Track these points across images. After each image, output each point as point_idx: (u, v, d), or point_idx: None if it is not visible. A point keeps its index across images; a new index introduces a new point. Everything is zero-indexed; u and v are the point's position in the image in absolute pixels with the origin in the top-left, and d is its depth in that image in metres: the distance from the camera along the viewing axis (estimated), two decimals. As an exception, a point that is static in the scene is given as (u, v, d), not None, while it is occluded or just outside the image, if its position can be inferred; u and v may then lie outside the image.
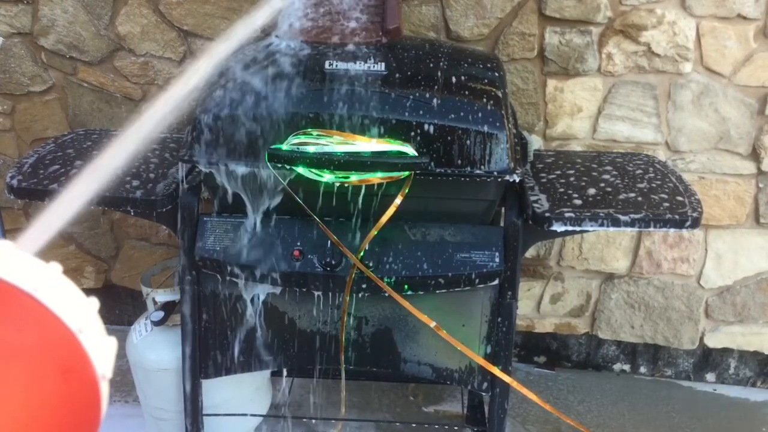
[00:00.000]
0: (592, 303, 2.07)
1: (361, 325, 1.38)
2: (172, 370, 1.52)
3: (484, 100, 1.24)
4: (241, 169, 1.25)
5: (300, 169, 1.23)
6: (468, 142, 1.22)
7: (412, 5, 1.76)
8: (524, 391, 1.37)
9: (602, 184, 1.39)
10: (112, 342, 0.37)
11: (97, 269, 2.19)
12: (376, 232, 1.27)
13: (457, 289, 1.32)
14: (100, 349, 0.35)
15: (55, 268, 0.35)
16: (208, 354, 1.43)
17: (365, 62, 1.26)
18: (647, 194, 1.35)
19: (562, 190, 1.37)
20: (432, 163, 1.22)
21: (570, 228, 1.27)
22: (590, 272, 2.03)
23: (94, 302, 0.36)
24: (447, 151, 1.22)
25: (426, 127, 1.21)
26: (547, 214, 1.26)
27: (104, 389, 0.36)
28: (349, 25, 1.31)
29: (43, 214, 0.38)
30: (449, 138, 1.22)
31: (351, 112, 1.21)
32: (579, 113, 1.84)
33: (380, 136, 1.21)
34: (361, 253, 1.28)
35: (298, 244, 1.31)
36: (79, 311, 0.35)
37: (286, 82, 1.23)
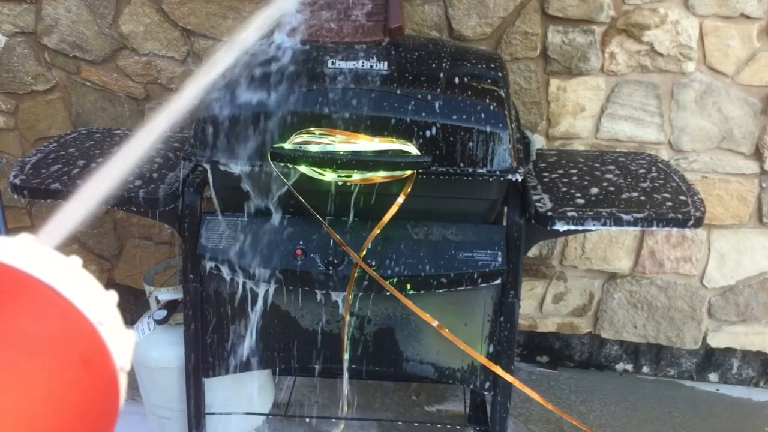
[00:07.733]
0: (594, 303, 2.07)
1: (363, 324, 1.38)
2: (174, 369, 1.53)
3: (487, 99, 1.24)
4: (243, 168, 1.25)
5: (302, 168, 1.23)
6: (470, 141, 1.22)
7: (414, 4, 1.76)
8: (527, 390, 1.37)
9: (605, 184, 1.39)
10: (130, 335, 0.37)
11: (100, 268, 2.20)
12: (378, 231, 1.27)
13: (459, 289, 1.32)
14: (119, 341, 0.36)
15: (75, 261, 0.36)
16: (210, 353, 1.43)
17: (368, 61, 1.27)
18: (650, 194, 1.35)
19: (564, 189, 1.37)
20: (434, 163, 1.22)
21: (572, 227, 1.27)
22: (593, 272, 2.03)
23: (113, 295, 0.37)
24: (449, 151, 1.22)
25: (428, 126, 1.21)
26: (549, 214, 1.26)
27: (123, 381, 0.36)
28: (351, 25, 1.31)
29: (63, 209, 0.38)
30: (452, 137, 1.22)
31: (353, 111, 1.22)
32: (582, 113, 1.84)
33: (382, 135, 1.21)
34: (364, 252, 1.28)
35: (301, 242, 1.31)
36: (98, 304, 0.35)
37: (288, 81, 1.23)
